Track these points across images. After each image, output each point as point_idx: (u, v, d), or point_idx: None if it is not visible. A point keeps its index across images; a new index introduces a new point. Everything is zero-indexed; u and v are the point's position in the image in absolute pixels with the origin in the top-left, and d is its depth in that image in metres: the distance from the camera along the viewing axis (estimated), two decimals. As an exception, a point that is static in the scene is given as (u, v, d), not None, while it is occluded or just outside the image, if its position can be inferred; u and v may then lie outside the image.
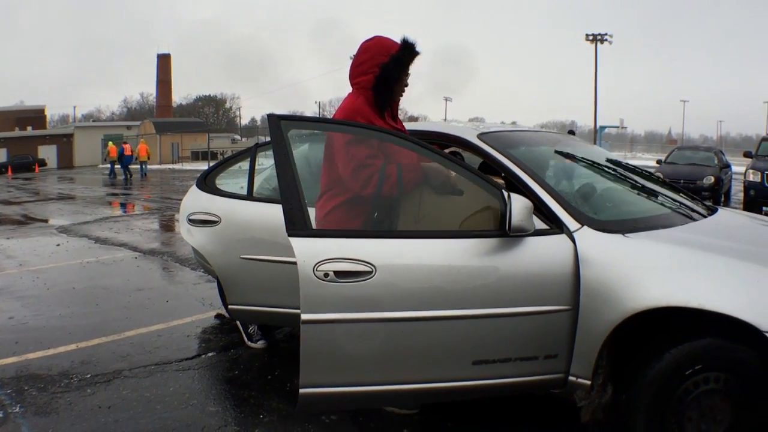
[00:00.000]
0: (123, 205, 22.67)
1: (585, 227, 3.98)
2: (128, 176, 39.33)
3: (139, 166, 42.64)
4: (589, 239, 3.92)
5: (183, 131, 74.10)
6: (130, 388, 5.22)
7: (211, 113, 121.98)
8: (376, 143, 4.18)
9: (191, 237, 5.97)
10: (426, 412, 4.73)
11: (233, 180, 6.24)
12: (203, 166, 53.22)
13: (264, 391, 5.21)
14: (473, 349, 3.84)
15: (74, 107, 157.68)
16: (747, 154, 19.30)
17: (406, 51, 4.38)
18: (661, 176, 17.25)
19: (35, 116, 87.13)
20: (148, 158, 44.12)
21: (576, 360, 3.92)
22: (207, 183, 6.16)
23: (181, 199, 6.56)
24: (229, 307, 5.85)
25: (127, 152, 40.74)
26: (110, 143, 44.46)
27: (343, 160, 4.17)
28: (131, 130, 78.78)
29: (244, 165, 6.07)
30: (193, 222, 5.96)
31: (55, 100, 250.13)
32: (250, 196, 5.77)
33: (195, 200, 6.12)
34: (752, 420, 3.58)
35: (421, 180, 4.16)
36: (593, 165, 5.14)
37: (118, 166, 40.99)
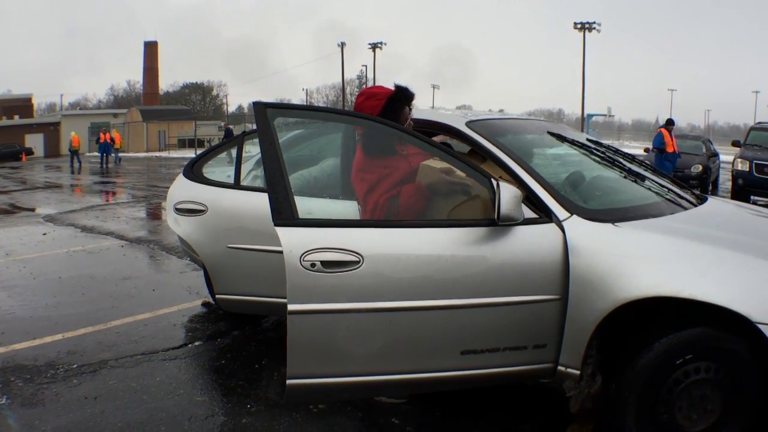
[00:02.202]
0: (110, 194, 22.55)
1: (574, 216, 3.96)
2: (106, 165, 39.33)
3: (113, 155, 42.82)
4: (578, 228, 3.90)
5: (170, 119, 73.78)
6: (116, 378, 5.18)
7: (198, 101, 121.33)
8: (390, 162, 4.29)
9: (178, 226, 5.95)
10: (414, 401, 4.71)
11: (220, 168, 6.21)
12: (190, 153, 53.15)
13: (251, 380, 5.19)
14: (461, 338, 3.83)
15: (61, 95, 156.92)
16: (735, 143, 19.34)
17: (402, 95, 4.58)
18: (650, 164, 17.34)
19: (22, 105, 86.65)
20: (120, 146, 44.28)
21: (565, 350, 3.91)
22: (194, 172, 6.13)
23: (167, 187, 6.52)
24: (217, 296, 5.84)
25: (102, 140, 40.82)
26: (73, 133, 43.66)
27: (358, 184, 4.30)
28: (118, 118, 78.49)
29: (231, 153, 6.04)
30: (179, 211, 5.93)
31: (42, 88, 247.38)
32: (237, 185, 5.75)
33: (182, 189, 6.10)
34: (742, 410, 3.58)
35: (423, 200, 4.21)
36: (583, 152, 5.12)
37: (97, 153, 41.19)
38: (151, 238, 11.89)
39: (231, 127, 45.19)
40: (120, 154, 44.14)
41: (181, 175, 6.26)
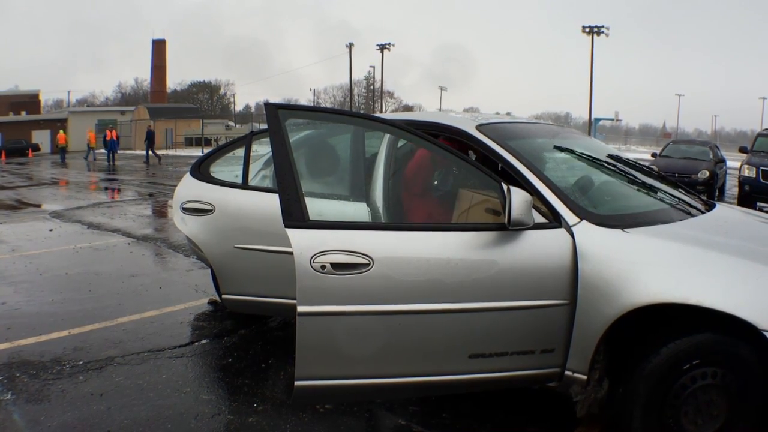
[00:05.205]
0: (116, 191, 22.54)
1: (584, 221, 3.96)
2: (112, 162, 39.45)
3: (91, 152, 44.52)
4: (587, 233, 3.91)
5: (177, 117, 73.86)
6: (122, 376, 5.20)
7: (206, 99, 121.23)
8: None
9: (185, 226, 5.96)
10: (422, 402, 4.72)
11: (228, 168, 6.22)
12: (197, 152, 53.18)
13: (258, 379, 5.19)
14: (470, 342, 3.83)
15: (68, 92, 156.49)
16: (743, 150, 19.26)
17: None
18: (656, 169, 17.31)
19: (29, 101, 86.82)
20: (95, 146, 45.60)
21: (572, 354, 3.91)
22: (201, 171, 6.15)
23: (174, 186, 6.52)
24: (223, 296, 5.86)
25: (114, 137, 41.33)
26: (61, 132, 48.45)
27: None
28: (125, 115, 78.56)
29: (239, 152, 6.04)
30: (186, 210, 5.95)
31: (49, 84, 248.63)
32: (244, 185, 5.76)
33: (189, 188, 6.11)
34: (748, 415, 3.58)
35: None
36: (592, 158, 5.12)
37: (103, 151, 42.09)
38: (158, 236, 11.91)
39: (153, 129, 45.84)
40: (96, 152, 45.86)
41: (188, 174, 6.27)
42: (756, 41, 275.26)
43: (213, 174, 6.15)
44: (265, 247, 5.37)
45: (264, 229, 5.34)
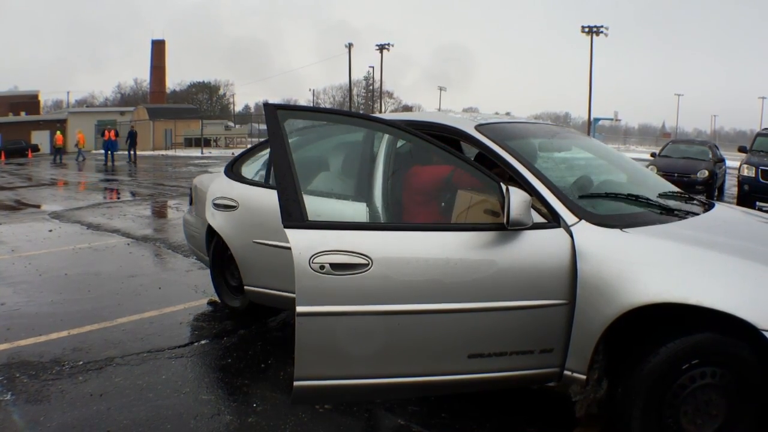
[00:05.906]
0: (115, 191, 22.50)
1: (583, 221, 3.96)
2: (111, 163, 39.41)
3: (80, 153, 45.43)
4: (586, 233, 3.91)
5: (176, 117, 73.77)
6: (122, 376, 5.20)
7: (205, 100, 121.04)
8: None
9: (214, 220, 6.29)
10: (422, 402, 4.72)
11: (256, 167, 6.52)
12: (196, 152, 53.37)
13: (257, 379, 5.20)
14: (469, 342, 3.83)
15: (68, 93, 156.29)
16: (742, 149, 19.24)
17: None
18: (656, 169, 17.27)
19: (29, 101, 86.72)
20: (84, 146, 46.63)
21: (572, 354, 3.91)
22: (233, 170, 6.48)
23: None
24: (245, 288, 6.08)
25: (112, 138, 41.36)
26: (58, 132, 50.46)
27: None
28: (125, 116, 78.45)
29: (267, 152, 6.32)
30: (216, 206, 6.30)
31: (48, 85, 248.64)
32: (266, 183, 5.98)
33: (220, 185, 6.44)
34: (747, 415, 3.58)
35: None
36: (592, 158, 5.12)
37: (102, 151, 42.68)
38: (158, 237, 11.90)
39: (135, 130, 45.92)
40: (89, 152, 46.19)
41: (221, 173, 6.65)
42: (756, 41, 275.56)
43: (243, 173, 6.44)
44: (277, 242, 5.47)
45: (278, 226, 5.41)
